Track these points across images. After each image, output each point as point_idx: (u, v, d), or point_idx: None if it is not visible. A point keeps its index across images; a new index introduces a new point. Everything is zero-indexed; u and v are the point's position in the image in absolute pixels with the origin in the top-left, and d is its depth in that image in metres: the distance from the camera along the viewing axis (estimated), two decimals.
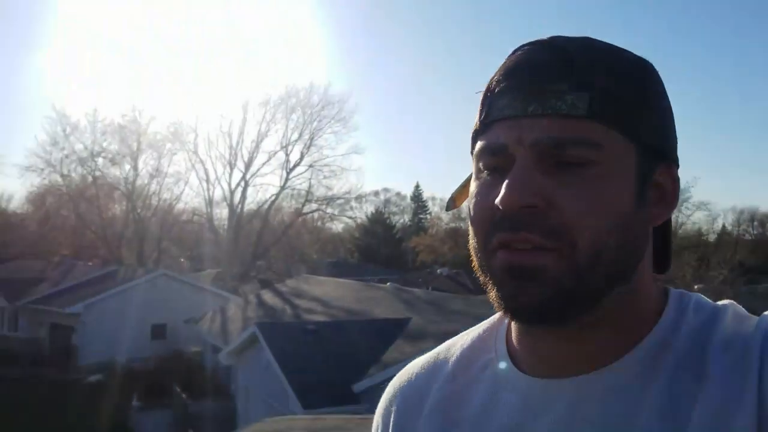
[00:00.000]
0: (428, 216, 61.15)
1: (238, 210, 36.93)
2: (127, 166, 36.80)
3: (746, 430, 0.58)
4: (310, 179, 38.08)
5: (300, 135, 37.43)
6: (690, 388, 0.61)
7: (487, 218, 0.65)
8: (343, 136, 47.52)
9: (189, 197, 39.44)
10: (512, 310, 0.64)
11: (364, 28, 63.63)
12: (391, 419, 0.81)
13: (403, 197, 61.26)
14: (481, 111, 0.68)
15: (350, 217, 43.91)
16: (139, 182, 36.86)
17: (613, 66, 0.65)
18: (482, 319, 0.80)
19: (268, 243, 37.27)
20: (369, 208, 51.08)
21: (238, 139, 37.50)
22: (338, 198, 39.62)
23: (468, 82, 67.53)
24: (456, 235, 47.60)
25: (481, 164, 0.66)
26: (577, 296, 0.62)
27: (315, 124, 37.35)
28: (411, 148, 70.10)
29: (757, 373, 0.60)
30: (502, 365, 0.73)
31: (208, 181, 37.28)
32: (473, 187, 0.68)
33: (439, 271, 41.22)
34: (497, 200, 0.62)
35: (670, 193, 0.69)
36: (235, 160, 37.36)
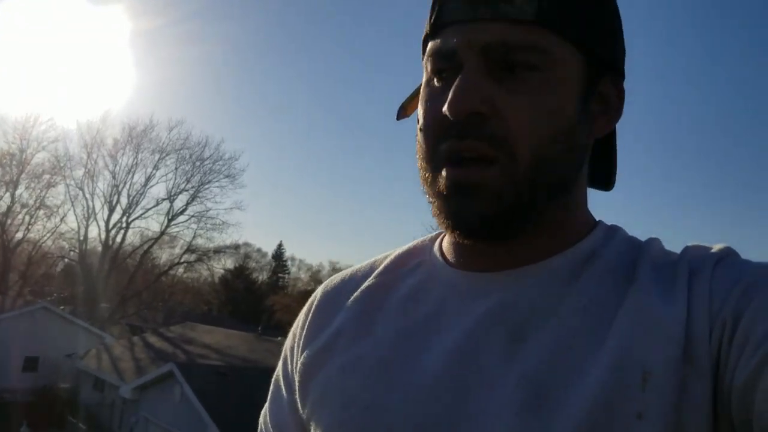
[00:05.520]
0: (287, 276, 62.86)
1: (112, 251, 37.15)
2: (5, 194, 36.07)
3: (676, 340, 0.58)
4: (195, 230, 39.17)
5: (187, 185, 38.67)
6: (617, 291, 0.62)
7: (436, 126, 0.64)
8: (229, 192, 48.82)
9: (62, 232, 38.58)
10: (455, 226, 0.64)
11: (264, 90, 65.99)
12: (313, 310, 0.80)
13: (264, 254, 62.60)
14: (431, 14, 0.66)
15: (209, 269, 44.83)
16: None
17: None
18: None
19: (139, 288, 37.66)
20: (228, 262, 51.88)
21: (124, 180, 37.98)
22: (219, 251, 40.89)
23: (336, 148, 71.31)
24: None
25: (430, 68, 0.66)
26: (519, 210, 0.63)
27: (203, 176, 38.74)
28: (280, 208, 72.19)
29: (685, 287, 0.60)
30: (434, 260, 0.73)
31: (88, 219, 37.36)
32: (423, 93, 0.68)
33: None
34: (444, 107, 0.62)
35: (614, 104, 0.68)
36: (117, 200, 37.84)
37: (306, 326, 0.79)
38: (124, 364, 22.03)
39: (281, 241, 63.73)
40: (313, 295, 0.82)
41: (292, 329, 0.82)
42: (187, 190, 38.71)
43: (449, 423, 0.62)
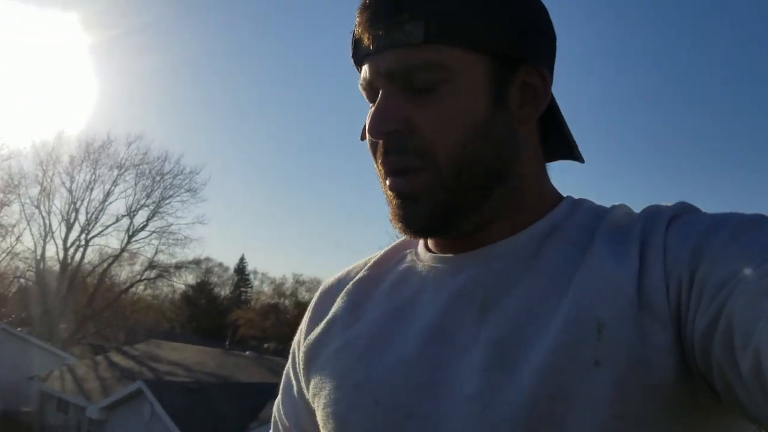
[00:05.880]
0: (249, 290, 62.11)
1: (71, 270, 36.36)
2: None
3: (627, 293, 0.62)
4: (157, 246, 38.61)
5: (147, 200, 38.13)
6: (575, 256, 0.68)
7: (372, 146, 0.74)
8: (191, 206, 48.11)
9: (18, 252, 37.52)
10: (404, 228, 0.72)
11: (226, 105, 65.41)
12: (312, 306, 0.89)
13: (226, 269, 61.73)
14: (351, 52, 0.75)
15: (171, 285, 44.16)
16: None
17: None
18: None
19: (99, 307, 36.90)
20: (189, 277, 51.05)
21: (81, 197, 37.25)
22: (180, 266, 40.37)
23: (305, 164, 71.13)
24: (277, 311, 49.32)
25: (364, 96, 0.74)
26: (453, 207, 0.70)
27: (163, 191, 38.25)
28: (241, 221, 71.52)
29: (638, 244, 0.65)
30: (418, 249, 0.81)
31: (45, 238, 36.51)
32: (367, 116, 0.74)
33: (266, 345, 42.73)
34: (366, 131, 0.71)
35: (540, 90, 0.72)
36: (75, 217, 37.09)
37: (307, 321, 0.88)
38: (89, 384, 21.58)
39: (243, 255, 62.88)
40: (315, 295, 0.91)
41: (299, 327, 0.90)
42: (147, 206, 38.23)
43: (427, 389, 0.68)
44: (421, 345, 0.71)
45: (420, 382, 0.69)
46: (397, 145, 0.70)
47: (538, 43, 0.74)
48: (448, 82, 0.68)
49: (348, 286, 0.85)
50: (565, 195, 0.79)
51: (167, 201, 38.29)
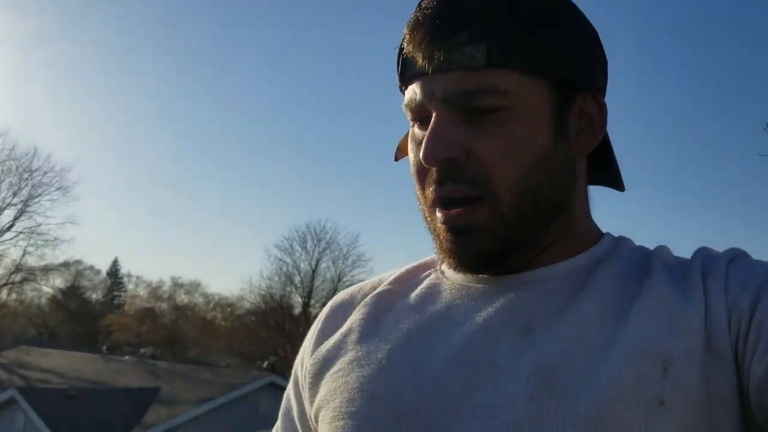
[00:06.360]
0: (123, 293, 59.75)
1: None
2: None
3: (696, 331, 0.60)
4: (24, 247, 36.39)
5: (14, 198, 35.93)
6: (632, 284, 0.65)
7: (421, 172, 0.69)
8: (61, 205, 45.50)
9: None
10: (457, 264, 0.68)
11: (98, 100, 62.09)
12: (321, 321, 0.82)
13: (97, 272, 58.89)
14: (397, 68, 0.71)
15: (36, 289, 41.93)
16: None
17: (511, 7, 0.65)
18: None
19: None
20: (57, 281, 48.30)
21: None
22: (47, 269, 38.32)
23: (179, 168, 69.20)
24: (153, 315, 47.82)
25: (409, 117, 0.70)
26: (510, 242, 0.66)
27: (31, 189, 36.18)
28: (114, 222, 68.32)
29: (701, 282, 0.62)
30: (445, 267, 0.75)
31: None
32: (410, 139, 0.71)
33: (142, 351, 41.41)
34: (420, 157, 0.66)
35: (597, 118, 0.70)
36: None
37: (315, 335, 0.82)
38: None
39: (117, 258, 60.13)
40: (322, 310, 0.86)
41: (303, 345, 0.84)
42: (14, 205, 35.83)
43: (460, 412, 0.63)
44: (452, 364, 0.66)
45: (452, 403, 0.64)
46: (453, 173, 0.66)
47: (594, 69, 0.72)
48: (509, 109, 0.65)
49: (366, 299, 0.80)
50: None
51: (36, 200, 36.10)
